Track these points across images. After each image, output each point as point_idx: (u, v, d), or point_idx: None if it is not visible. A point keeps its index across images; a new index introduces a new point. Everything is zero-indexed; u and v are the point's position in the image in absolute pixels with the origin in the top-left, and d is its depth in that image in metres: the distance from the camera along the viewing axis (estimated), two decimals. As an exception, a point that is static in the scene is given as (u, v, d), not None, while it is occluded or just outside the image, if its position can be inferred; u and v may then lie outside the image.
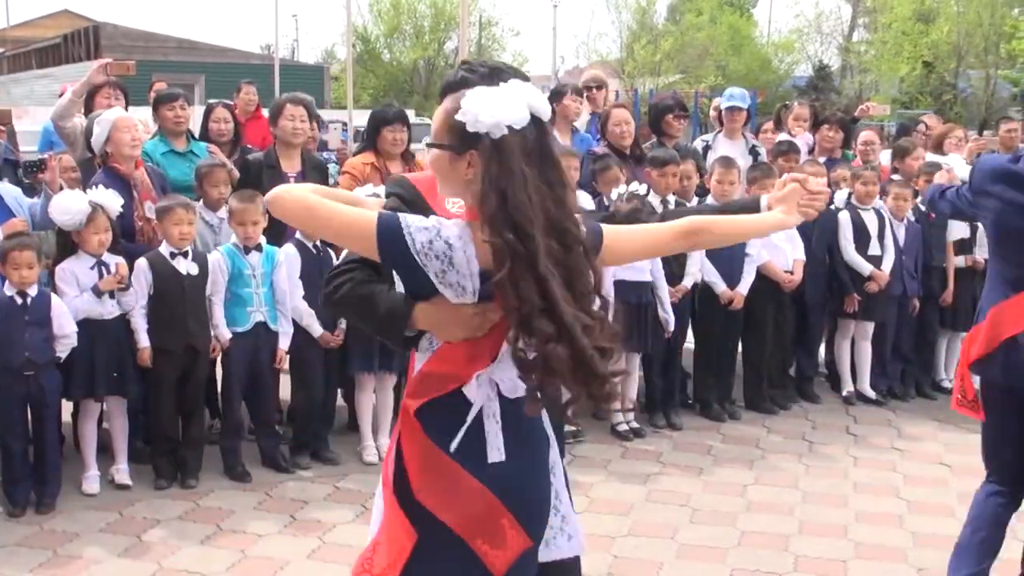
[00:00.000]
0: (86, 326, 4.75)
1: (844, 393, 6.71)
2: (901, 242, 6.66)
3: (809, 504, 4.97)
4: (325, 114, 12.12)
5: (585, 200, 5.60)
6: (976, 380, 3.79)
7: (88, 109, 5.76)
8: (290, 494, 4.95)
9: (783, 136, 7.48)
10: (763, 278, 6.22)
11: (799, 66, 40.29)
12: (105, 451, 5.08)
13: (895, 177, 7.15)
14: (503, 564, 2.31)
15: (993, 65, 32.34)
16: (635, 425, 5.91)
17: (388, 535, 2.36)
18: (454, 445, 2.29)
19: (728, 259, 6.08)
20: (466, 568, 2.32)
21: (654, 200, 5.76)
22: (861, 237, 6.56)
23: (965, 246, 6.91)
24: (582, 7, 78.69)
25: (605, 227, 2.37)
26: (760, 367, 6.45)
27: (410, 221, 2.25)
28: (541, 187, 2.18)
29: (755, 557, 4.35)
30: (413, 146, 5.72)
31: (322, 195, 2.33)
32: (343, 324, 5.30)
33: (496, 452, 2.31)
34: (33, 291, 4.58)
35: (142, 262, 4.91)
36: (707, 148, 7.23)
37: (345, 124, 11.57)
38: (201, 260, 5.01)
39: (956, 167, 7.20)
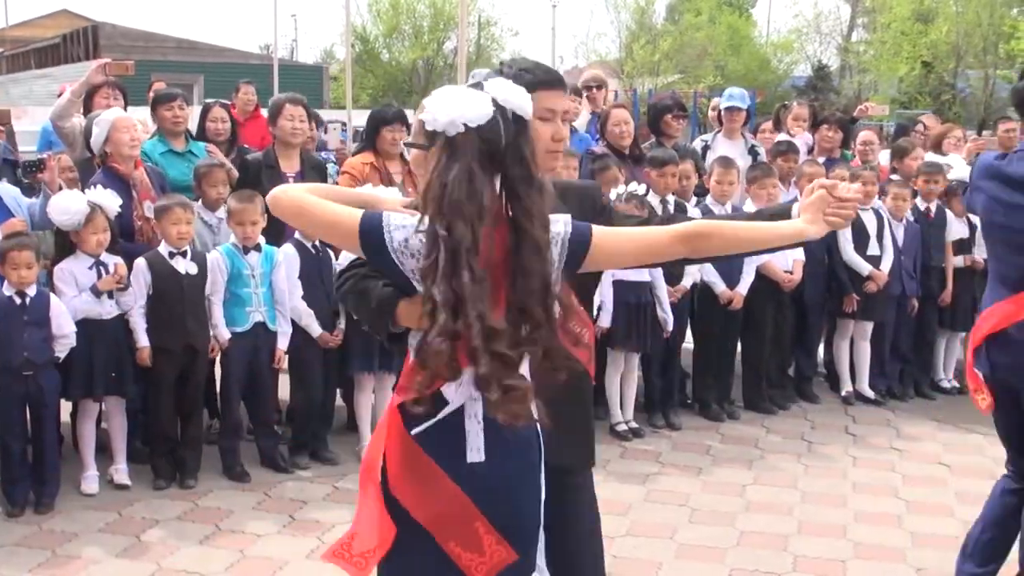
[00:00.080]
0: (85, 326, 4.75)
1: (843, 393, 6.72)
2: (900, 242, 6.66)
3: (808, 504, 4.97)
4: (324, 114, 12.13)
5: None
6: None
7: (87, 109, 5.76)
8: (289, 494, 4.95)
9: (782, 136, 7.49)
10: (762, 278, 6.22)
11: (798, 66, 40.30)
12: (104, 451, 5.08)
13: (894, 177, 7.15)
14: (482, 571, 2.29)
15: (992, 65, 32.31)
16: (634, 425, 5.91)
17: (367, 526, 2.35)
18: (417, 430, 2.28)
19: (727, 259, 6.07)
20: (440, 569, 2.31)
21: (653, 200, 5.77)
22: (860, 237, 6.56)
23: (964, 246, 6.92)
24: (581, 7, 78.73)
25: (596, 228, 2.30)
26: (759, 367, 6.46)
27: (392, 219, 2.27)
28: (495, 184, 2.19)
29: (754, 557, 4.35)
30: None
31: (335, 195, 2.37)
32: (342, 324, 5.30)
33: (475, 452, 2.29)
34: (32, 291, 4.58)
35: (141, 262, 4.91)
36: (706, 148, 7.23)
37: (344, 124, 11.57)
38: (200, 260, 5.01)
39: (956, 167, 7.24)
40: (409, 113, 5.80)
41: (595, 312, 5.29)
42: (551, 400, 2.51)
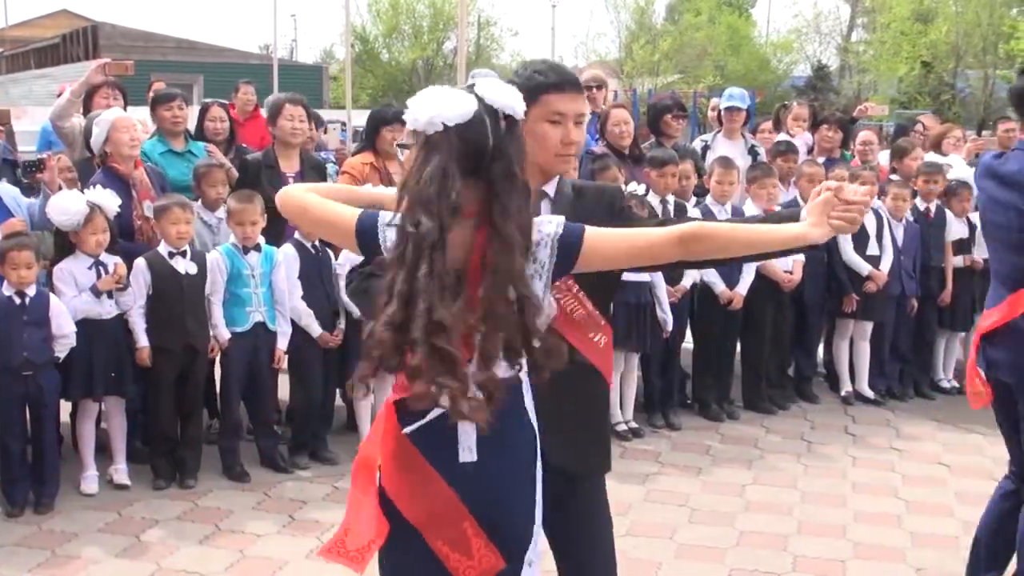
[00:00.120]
0: (84, 326, 4.75)
1: (842, 393, 6.72)
2: (899, 242, 6.66)
3: (808, 504, 4.97)
4: (324, 114, 12.12)
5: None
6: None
7: (87, 109, 5.76)
8: (289, 494, 4.95)
9: (782, 136, 7.49)
10: (762, 278, 6.22)
11: (798, 66, 40.28)
12: (103, 451, 5.08)
13: (894, 177, 7.16)
14: (470, 575, 2.29)
15: (991, 65, 32.30)
16: (634, 425, 5.91)
17: (360, 521, 2.36)
18: (410, 429, 2.29)
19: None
20: (428, 568, 2.31)
21: (653, 200, 5.77)
22: (859, 237, 6.55)
23: (964, 246, 6.93)
24: (580, 7, 78.64)
25: (590, 229, 2.28)
26: (759, 367, 6.46)
27: (386, 219, 2.30)
28: (478, 183, 2.19)
29: (754, 557, 4.35)
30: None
31: (346, 195, 2.45)
32: (342, 324, 5.31)
33: (467, 452, 2.29)
34: (31, 291, 4.58)
35: (140, 262, 4.91)
36: (706, 148, 7.23)
37: (344, 124, 11.58)
38: (200, 260, 5.01)
39: (956, 167, 7.25)
40: (409, 113, 5.79)
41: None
42: (561, 403, 2.51)
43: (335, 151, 7.91)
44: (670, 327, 5.89)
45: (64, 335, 4.65)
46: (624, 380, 5.91)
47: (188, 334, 4.94)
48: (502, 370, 2.22)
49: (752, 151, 7.16)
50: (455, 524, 2.28)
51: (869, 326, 6.67)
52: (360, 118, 9.15)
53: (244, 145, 6.55)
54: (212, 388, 5.45)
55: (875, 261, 6.56)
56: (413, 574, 2.35)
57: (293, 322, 5.21)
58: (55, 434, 4.84)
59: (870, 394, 6.68)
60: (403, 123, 2.36)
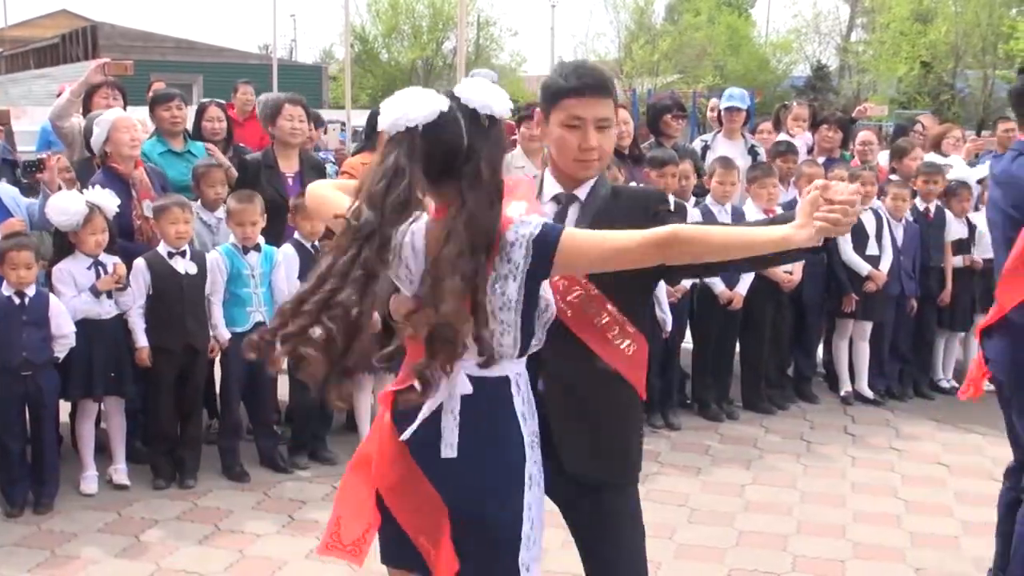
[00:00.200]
0: (84, 326, 4.75)
1: (842, 393, 6.72)
2: (899, 242, 6.67)
3: (807, 504, 4.97)
4: (323, 114, 12.12)
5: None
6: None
7: (86, 109, 5.75)
8: (288, 494, 4.95)
9: (782, 136, 7.49)
10: (762, 278, 6.22)
11: (797, 66, 40.28)
12: (103, 451, 5.08)
13: (893, 177, 7.16)
14: (443, 573, 2.31)
15: (991, 65, 32.31)
16: (633, 425, 5.90)
17: (352, 511, 2.41)
18: (406, 435, 2.33)
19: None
20: (419, 559, 2.38)
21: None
22: (859, 237, 6.56)
23: (963, 246, 6.93)
24: (580, 7, 78.66)
25: (569, 230, 2.29)
26: (758, 367, 6.46)
27: None
28: (445, 182, 2.22)
29: (753, 557, 4.35)
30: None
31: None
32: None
33: (448, 448, 2.31)
34: (31, 291, 4.58)
35: (140, 262, 4.90)
36: (706, 148, 7.24)
37: (343, 124, 11.58)
38: (199, 259, 5.01)
39: (956, 167, 7.25)
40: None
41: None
42: (579, 409, 2.52)
43: (335, 151, 7.92)
44: (669, 327, 5.90)
45: (63, 335, 4.65)
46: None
47: (188, 334, 4.94)
48: (470, 366, 2.28)
49: (752, 151, 7.16)
50: (435, 521, 2.31)
51: (868, 326, 6.67)
52: (360, 118, 9.15)
53: (242, 145, 6.54)
54: (211, 388, 5.45)
55: (875, 261, 6.56)
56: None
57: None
58: (55, 434, 4.84)
59: (869, 394, 6.68)
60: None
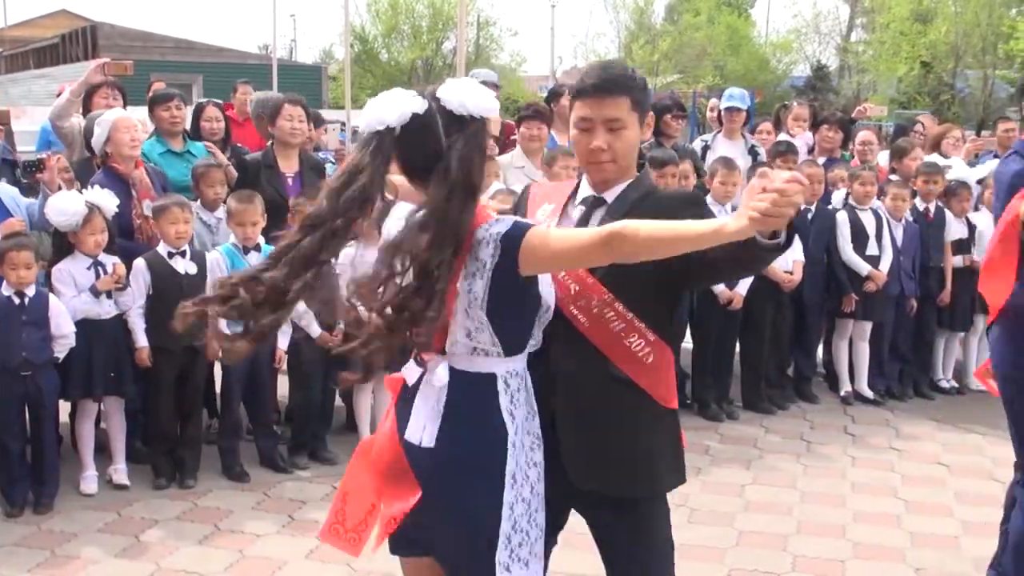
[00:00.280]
0: (83, 326, 4.75)
1: (842, 393, 6.72)
2: (899, 242, 6.67)
3: (807, 504, 4.97)
4: (323, 114, 12.11)
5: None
6: None
7: (86, 109, 5.75)
8: (288, 494, 4.95)
9: (782, 136, 7.49)
10: (762, 278, 6.21)
11: (797, 66, 40.30)
12: (103, 451, 5.08)
13: (893, 177, 7.16)
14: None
15: (991, 65, 32.35)
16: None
17: (357, 489, 2.49)
18: (387, 423, 2.46)
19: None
20: (430, 543, 2.46)
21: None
22: (859, 237, 6.57)
23: (963, 246, 6.93)
24: (580, 7, 78.82)
25: (534, 229, 2.29)
26: (758, 367, 6.46)
27: (395, 211, 2.38)
28: (424, 180, 2.28)
29: (753, 557, 4.35)
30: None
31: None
32: (341, 324, 5.29)
33: (427, 437, 2.37)
34: (31, 291, 4.58)
35: (140, 262, 4.90)
36: (706, 148, 7.24)
37: (343, 124, 11.57)
38: (199, 259, 5.01)
39: (956, 168, 7.25)
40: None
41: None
42: (590, 419, 2.49)
43: (335, 151, 7.90)
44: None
45: (63, 335, 4.65)
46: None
47: (188, 334, 4.92)
48: (459, 359, 2.35)
49: (752, 151, 7.16)
50: (407, 500, 2.37)
51: (868, 326, 6.67)
52: (359, 118, 9.11)
53: (240, 145, 6.54)
54: (211, 388, 5.45)
55: (874, 261, 6.56)
56: None
57: (293, 322, 5.20)
58: (54, 434, 4.84)
59: (869, 394, 6.68)
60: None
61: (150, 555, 4.28)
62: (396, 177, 2.48)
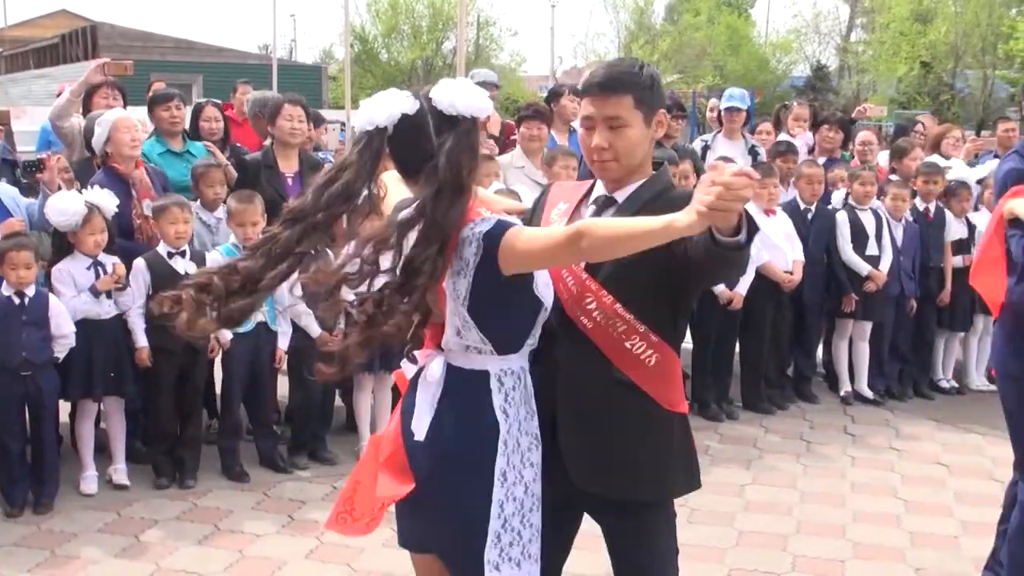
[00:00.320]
0: (83, 326, 4.75)
1: (842, 393, 6.72)
2: (899, 242, 6.67)
3: (807, 504, 4.97)
4: (323, 114, 12.10)
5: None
6: None
7: (86, 109, 5.75)
8: (288, 494, 4.95)
9: (783, 136, 7.49)
10: (761, 278, 6.23)
11: (797, 66, 40.27)
12: (103, 451, 5.08)
13: (893, 177, 7.16)
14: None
15: (991, 65, 32.33)
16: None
17: (368, 480, 2.49)
18: (395, 417, 2.50)
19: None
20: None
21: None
22: (859, 237, 6.57)
23: (963, 246, 6.93)
24: (580, 7, 78.79)
25: (514, 228, 2.29)
26: (758, 367, 6.46)
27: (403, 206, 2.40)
28: (416, 179, 2.32)
29: (753, 557, 4.35)
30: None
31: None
32: (341, 324, 5.29)
33: (419, 431, 2.40)
34: (31, 291, 4.58)
35: (140, 262, 4.90)
36: (706, 148, 7.25)
37: (343, 124, 11.56)
38: (199, 259, 5.00)
39: (956, 168, 7.25)
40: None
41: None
42: (592, 421, 2.47)
43: (334, 151, 7.90)
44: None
45: (63, 335, 4.65)
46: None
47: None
48: (455, 355, 2.39)
49: (752, 151, 7.16)
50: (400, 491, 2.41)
51: (868, 326, 6.67)
52: (356, 118, 9.08)
53: (239, 145, 6.54)
54: (211, 388, 5.45)
55: (874, 261, 6.56)
56: None
57: (293, 322, 5.20)
58: (54, 434, 4.84)
59: (869, 394, 6.68)
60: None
61: (150, 555, 4.28)
62: (389, 174, 2.50)
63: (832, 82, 38.10)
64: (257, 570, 4.17)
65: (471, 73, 8.07)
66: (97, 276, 4.79)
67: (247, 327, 5.06)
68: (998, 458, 5.43)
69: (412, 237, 2.26)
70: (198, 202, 5.42)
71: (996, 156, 7.98)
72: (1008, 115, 11.30)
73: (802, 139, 7.44)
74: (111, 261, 4.84)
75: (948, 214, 6.89)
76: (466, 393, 2.38)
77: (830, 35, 39.71)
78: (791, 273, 6.33)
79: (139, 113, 5.94)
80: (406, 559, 2.63)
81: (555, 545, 2.58)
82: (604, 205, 2.53)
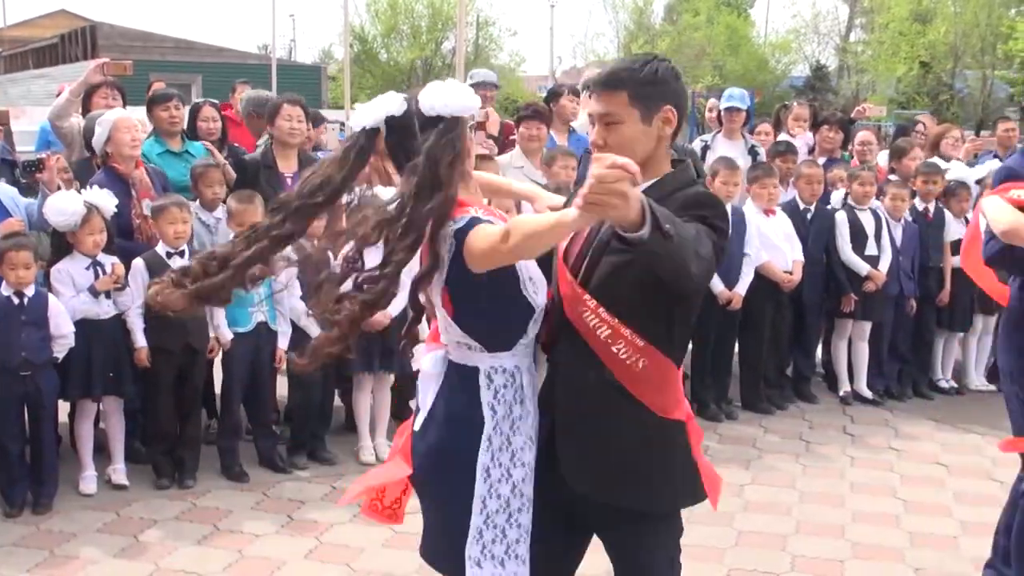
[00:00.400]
0: (82, 326, 4.74)
1: (841, 393, 6.72)
2: (898, 242, 6.67)
3: (806, 504, 4.97)
4: (323, 114, 12.09)
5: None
6: None
7: (85, 109, 5.75)
8: (287, 494, 4.95)
9: (783, 136, 7.49)
10: (761, 278, 6.23)
11: (796, 66, 40.29)
12: (102, 451, 5.08)
13: (892, 177, 7.16)
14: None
15: (990, 66, 32.35)
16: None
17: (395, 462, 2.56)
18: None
19: (726, 259, 6.08)
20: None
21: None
22: (858, 237, 6.56)
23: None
24: (579, 7, 78.81)
25: (479, 226, 2.29)
26: (757, 367, 6.46)
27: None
28: (349, 173, 2.41)
29: (752, 557, 4.35)
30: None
31: (495, 187, 2.85)
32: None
33: (417, 422, 2.50)
34: (30, 291, 4.57)
35: (139, 262, 4.90)
36: (706, 148, 7.23)
37: (343, 124, 11.57)
38: (198, 260, 5.00)
39: (955, 168, 7.25)
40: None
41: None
42: (583, 422, 2.46)
43: (334, 151, 7.89)
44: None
45: (62, 335, 4.64)
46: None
47: (188, 334, 4.93)
48: (451, 350, 2.44)
49: (752, 151, 7.16)
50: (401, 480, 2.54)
51: (868, 326, 6.67)
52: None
53: (237, 145, 6.53)
54: (210, 388, 5.44)
55: (874, 261, 6.56)
56: None
57: (292, 322, 5.20)
58: (53, 434, 4.84)
59: (868, 394, 6.68)
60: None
61: (149, 555, 4.27)
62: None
63: (831, 82, 38.11)
64: (256, 570, 4.17)
65: (470, 73, 8.07)
66: (96, 276, 4.79)
67: (248, 327, 5.07)
68: (997, 458, 5.43)
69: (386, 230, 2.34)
70: (197, 202, 5.41)
71: (996, 156, 7.98)
72: (1008, 115, 11.29)
73: (802, 139, 7.44)
74: (110, 261, 4.84)
75: (947, 214, 6.89)
76: (458, 388, 2.43)
77: (829, 35, 39.75)
78: (790, 273, 6.33)
79: (138, 113, 5.94)
80: (406, 559, 2.65)
81: (567, 561, 2.65)
82: None
